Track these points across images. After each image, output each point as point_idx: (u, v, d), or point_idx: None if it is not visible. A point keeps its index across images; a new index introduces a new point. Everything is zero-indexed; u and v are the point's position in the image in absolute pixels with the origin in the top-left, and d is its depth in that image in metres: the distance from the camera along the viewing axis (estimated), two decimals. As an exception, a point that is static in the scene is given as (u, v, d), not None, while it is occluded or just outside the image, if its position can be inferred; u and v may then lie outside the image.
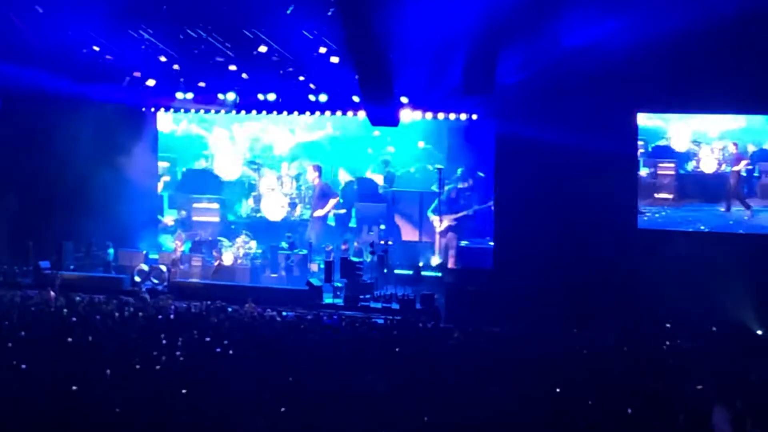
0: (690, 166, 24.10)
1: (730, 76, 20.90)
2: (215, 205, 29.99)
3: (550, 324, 18.90)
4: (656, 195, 23.94)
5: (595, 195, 22.04)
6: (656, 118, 23.88)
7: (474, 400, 12.13)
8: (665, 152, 24.20)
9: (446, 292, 23.04)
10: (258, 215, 30.08)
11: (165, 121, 30.44)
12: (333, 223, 29.28)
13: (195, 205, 29.97)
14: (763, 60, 20.91)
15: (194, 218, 29.83)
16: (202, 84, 26.45)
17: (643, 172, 23.84)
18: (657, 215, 23.66)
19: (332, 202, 28.86)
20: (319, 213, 28.78)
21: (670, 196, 24.03)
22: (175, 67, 25.70)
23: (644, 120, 23.38)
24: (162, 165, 30.87)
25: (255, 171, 30.76)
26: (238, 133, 31.26)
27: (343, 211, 29.13)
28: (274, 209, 29.92)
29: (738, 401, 11.79)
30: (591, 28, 20.50)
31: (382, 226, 27.61)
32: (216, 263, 26.74)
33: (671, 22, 19.89)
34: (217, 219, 29.82)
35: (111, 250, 27.22)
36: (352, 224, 29.12)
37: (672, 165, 24.15)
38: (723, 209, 23.45)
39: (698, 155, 24.06)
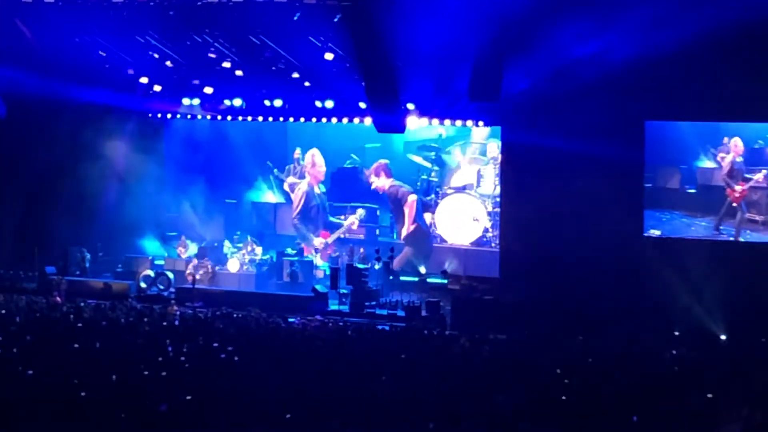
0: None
1: (740, 83, 20.85)
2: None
3: (556, 332, 18.85)
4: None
5: (601, 203, 22.00)
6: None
7: (479, 407, 12.11)
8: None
9: (452, 300, 22.99)
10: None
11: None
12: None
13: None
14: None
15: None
16: (208, 90, 26.43)
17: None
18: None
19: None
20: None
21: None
22: (182, 73, 25.70)
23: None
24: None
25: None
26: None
27: None
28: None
29: (745, 409, 11.76)
30: (598, 37, 20.48)
31: None
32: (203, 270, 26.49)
33: (679, 30, 19.87)
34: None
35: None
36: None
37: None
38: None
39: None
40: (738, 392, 12.99)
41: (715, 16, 19.33)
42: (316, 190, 27.81)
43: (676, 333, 18.92)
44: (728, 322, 19.89)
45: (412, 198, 26.33)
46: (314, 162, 27.62)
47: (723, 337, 19.42)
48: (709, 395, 12.82)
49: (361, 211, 26.89)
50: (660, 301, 20.80)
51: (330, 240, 27.02)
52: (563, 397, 12.71)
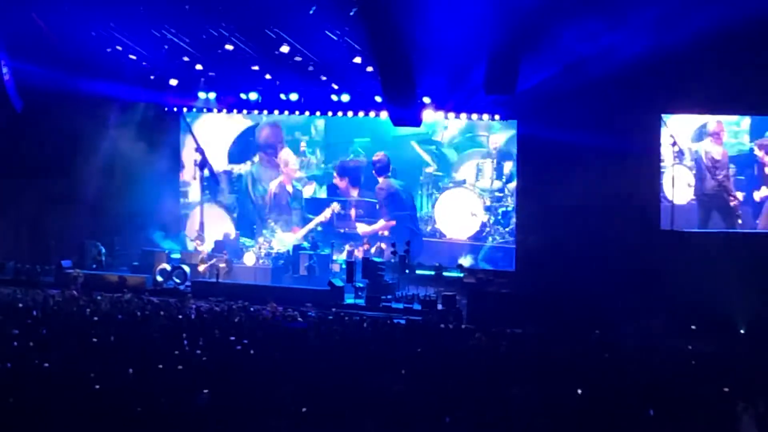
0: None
1: (757, 76, 20.76)
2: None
3: (572, 326, 18.79)
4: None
5: (618, 196, 21.95)
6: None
7: (495, 400, 12.08)
8: None
9: (468, 293, 22.94)
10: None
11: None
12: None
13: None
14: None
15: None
16: (224, 84, 26.45)
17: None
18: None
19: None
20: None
21: None
22: (198, 67, 25.71)
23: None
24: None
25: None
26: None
27: None
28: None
29: (762, 404, 11.70)
30: (615, 30, 20.39)
31: None
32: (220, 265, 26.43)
33: (695, 23, 19.77)
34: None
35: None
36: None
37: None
38: None
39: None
40: (755, 387, 12.94)
41: (732, 9, 19.23)
42: (289, 189, 27.94)
43: (693, 327, 18.83)
44: (746, 316, 19.80)
45: (382, 195, 26.41)
46: (287, 161, 27.87)
47: (742, 331, 19.33)
48: (726, 389, 12.77)
49: (335, 205, 26.93)
50: (677, 295, 20.71)
51: (299, 235, 27.33)
52: (579, 391, 12.67)
